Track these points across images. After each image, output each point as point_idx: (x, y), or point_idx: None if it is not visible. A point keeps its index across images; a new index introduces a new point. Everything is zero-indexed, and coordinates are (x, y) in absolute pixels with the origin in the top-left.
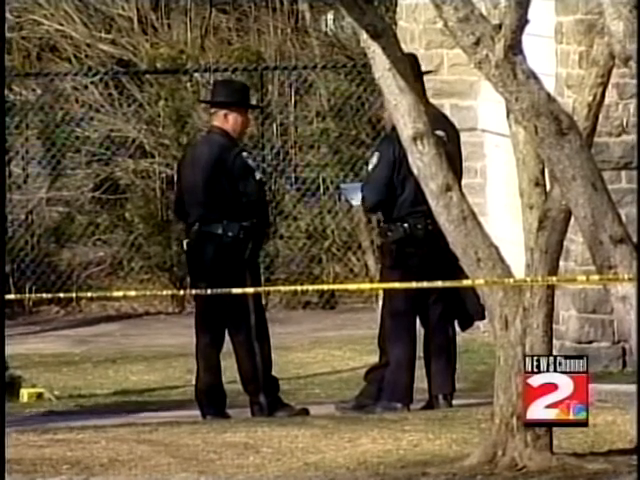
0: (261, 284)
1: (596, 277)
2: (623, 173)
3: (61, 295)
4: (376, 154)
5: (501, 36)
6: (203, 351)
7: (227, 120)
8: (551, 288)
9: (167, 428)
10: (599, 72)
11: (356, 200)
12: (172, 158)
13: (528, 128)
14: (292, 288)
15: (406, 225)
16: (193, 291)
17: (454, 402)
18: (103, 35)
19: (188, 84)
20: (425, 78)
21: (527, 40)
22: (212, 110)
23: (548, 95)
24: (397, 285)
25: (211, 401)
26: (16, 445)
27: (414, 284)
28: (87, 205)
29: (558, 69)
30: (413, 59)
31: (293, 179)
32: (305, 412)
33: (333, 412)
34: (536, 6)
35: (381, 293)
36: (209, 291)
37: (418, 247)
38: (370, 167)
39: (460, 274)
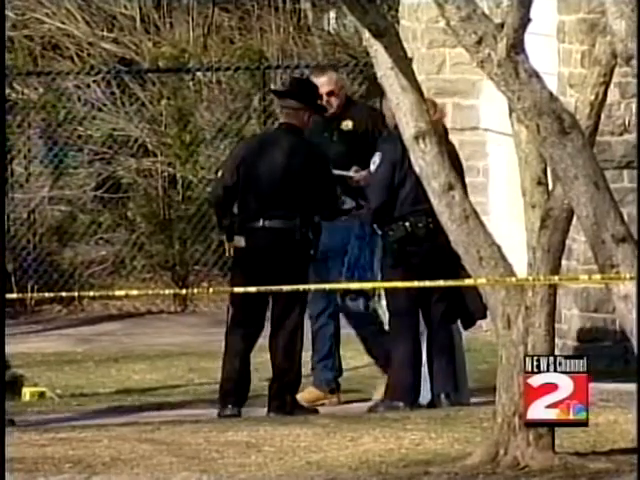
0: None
1: (598, 276)
2: (625, 172)
3: (63, 294)
4: (378, 154)
5: (503, 35)
6: (237, 348)
7: (304, 119)
8: (553, 287)
9: (169, 427)
10: (601, 71)
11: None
12: (174, 157)
13: (530, 127)
14: (294, 287)
15: (407, 224)
16: (195, 290)
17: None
18: (105, 34)
19: (190, 83)
20: (428, 77)
21: (529, 39)
22: (293, 105)
23: (550, 94)
24: (399, 284)
25: (238, 394)
26: (18, 444)
27: (416, 283)
28: (89, 204)
29: (560, 68)
30: None
31: None
32: (315, 412)
33: (335, 411)
34: (538, 5)
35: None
36: (211, 290)
37: (420, 246)
38: (373, 167)
39: (462, 273)
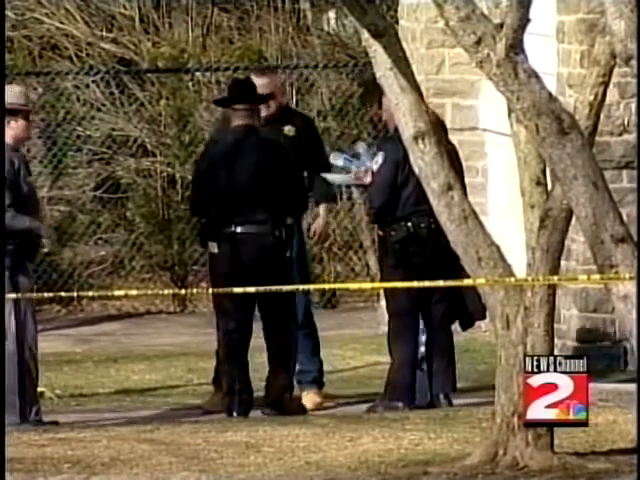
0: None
1: (597, 276)
2: (624, 172)
3: (62, 294)
4: (381, 154)
5: (502, 35)
6: (236, 352)
7: (254, 117)
8: (552, 287)
9: (168, 427)
10: (600, 71)
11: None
12: (174, 157)
13: (529, 127)
14: (293, 287)
15: (409, 224)
16: (194, 290)
17: (455, 401)
18: (104, 34)
19: (190, 83)
20: (427, 77)
21: (528, 39)
22: (245, 107)
23: (549, 94)
24: (399, 284)
25: (241, 400)
26: (17, 444)
27: (415, 283)
28: (88, 204)
29: (559, 68)
30: None
31: None
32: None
33: (334, 411)
34: (537, 5)
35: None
36: (210, 290)
37: (421, 246)
38: (375, 167)
39: (463, 273)
